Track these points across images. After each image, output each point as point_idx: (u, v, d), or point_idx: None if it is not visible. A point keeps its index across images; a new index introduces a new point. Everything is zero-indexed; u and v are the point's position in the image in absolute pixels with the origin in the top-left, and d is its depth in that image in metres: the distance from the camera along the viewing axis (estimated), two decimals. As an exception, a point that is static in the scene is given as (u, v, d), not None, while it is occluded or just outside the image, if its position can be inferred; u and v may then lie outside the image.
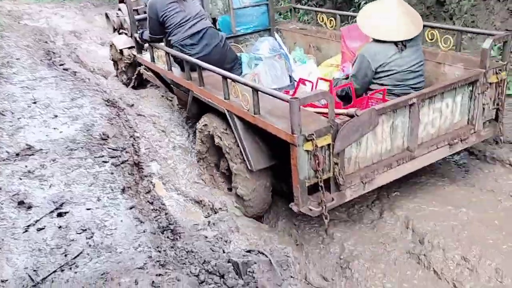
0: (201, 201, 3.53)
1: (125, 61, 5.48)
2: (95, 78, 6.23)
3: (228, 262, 2.68)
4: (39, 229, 2.91)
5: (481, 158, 3.56)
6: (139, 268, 2.56)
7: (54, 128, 4.37)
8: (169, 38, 3.72)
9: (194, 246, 2.86)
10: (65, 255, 2.70)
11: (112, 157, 3.86)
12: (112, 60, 5.95)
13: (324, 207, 2.47)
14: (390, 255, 2.69)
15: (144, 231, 2.94)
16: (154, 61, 4.16)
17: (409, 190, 3.20)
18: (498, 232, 2.70)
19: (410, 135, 2.84)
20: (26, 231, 2.91)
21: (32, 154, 3.83)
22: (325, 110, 2.51)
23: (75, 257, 2.68)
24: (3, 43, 7.55)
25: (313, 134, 2.35)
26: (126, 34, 5.41)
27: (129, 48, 5.31)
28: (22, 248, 2.77)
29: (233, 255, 2.78)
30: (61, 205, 3.15)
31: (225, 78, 2.91)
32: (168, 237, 3.02)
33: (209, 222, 3.16)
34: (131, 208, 3.18)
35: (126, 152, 4.03)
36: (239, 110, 2.85)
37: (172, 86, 4.27)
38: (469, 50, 4.55)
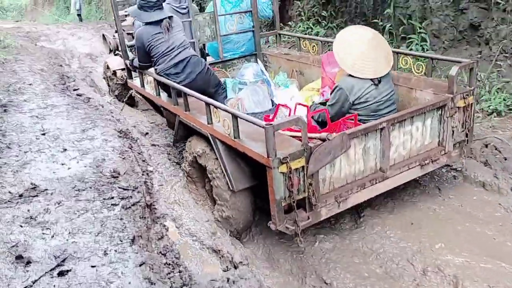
0: (219, 250, 3.16)
1: (118, 82, 5.79)
2: (108, 104, 5.99)
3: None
4: (36, 292, 2.56)
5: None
6: None
7: (62, 164, 4.08)
8: (155, 67, 3.92)
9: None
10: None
11: (123, 199, 3.55)
12: (105, 78, 6.32)
13: (297, 226, 2.62)
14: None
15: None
16: (143, 87, 4.36)
17: (455, 241, 2.96)
18: None
19: (382, 156, 3.01)
20: (22, 293, 2.56)
21: (36, 196, 3.51)
22: (301, 134, 2.69)
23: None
24: (17, 67, 7.43)
25: (287, 157, 2.52)
26: (120, 56, 5.67)
27: (122, 69, 5.59)
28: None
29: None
30: (63, 260, 2.82)
31: (207, 104, 3.10)
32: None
33: (228, 279, 2.85)
34: (141, 265, 2.85)
35: (138, 192, 3.72)
36: (221, 134, 3.02)
37: (161, 109, 4.46)
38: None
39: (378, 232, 3.16)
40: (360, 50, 3.25)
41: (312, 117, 3.31)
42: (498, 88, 4.68)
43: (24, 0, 25.74)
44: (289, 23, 7.99)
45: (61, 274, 2.72)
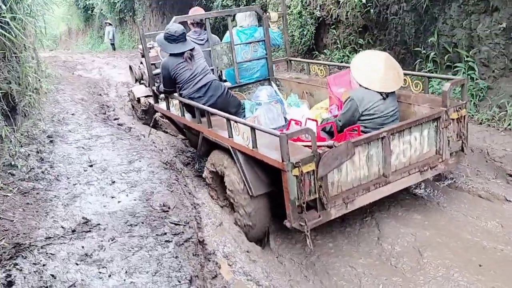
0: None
1: (142, 108, 6.42)
2: (151, 134, 5.97)
3: None
4: None
5: None
6: None
7: (112, 197, 4.00)
8: (180, 92, 4.39)
9: None
10: None
11: (175, 234, 3.44)
12: (131, 104, 7.06)
13: (306, 224, 2.99)
14: None
15: None
16: (169, 109, 4.84)
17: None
18: None
19: (384, 163, 3.39)
20: None
21: (89, 231, 3.40)
22: (311, 144, 3.10)
23: None
24: (58, 97, 7.60)
25: (299, 162, 2.92)
26: (144, 84, 6.29)
27: (146, 96, 6.21)
28: None
29: None
30: (123, 305, 2.63)
31: (228, 120, 3.54)
32: None
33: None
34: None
35: (190, 227, 3.62)
36: (240, 146, 3.45)
37: (184, 130, 4.93)
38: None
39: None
40: (375, 65, 3.70)
41: (321, 129, 3.72)
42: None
43: (59, 29, 26.89)
44: (325, 51, 7.69)
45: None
